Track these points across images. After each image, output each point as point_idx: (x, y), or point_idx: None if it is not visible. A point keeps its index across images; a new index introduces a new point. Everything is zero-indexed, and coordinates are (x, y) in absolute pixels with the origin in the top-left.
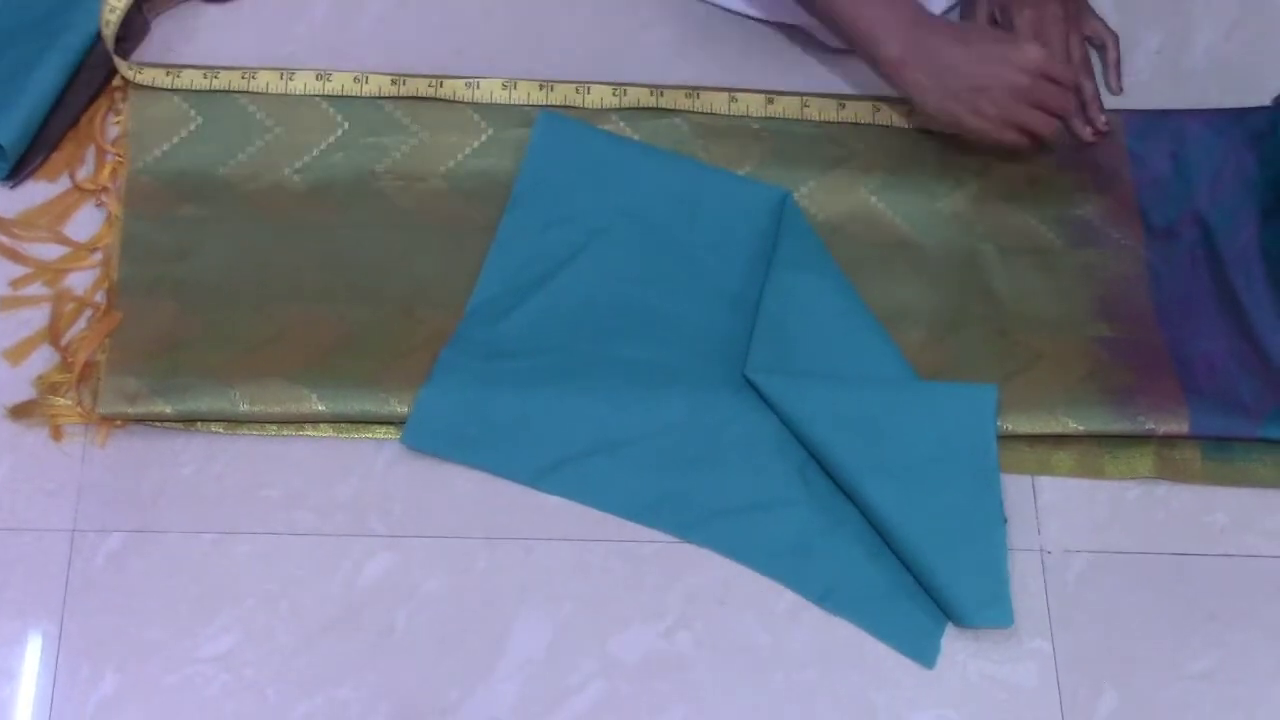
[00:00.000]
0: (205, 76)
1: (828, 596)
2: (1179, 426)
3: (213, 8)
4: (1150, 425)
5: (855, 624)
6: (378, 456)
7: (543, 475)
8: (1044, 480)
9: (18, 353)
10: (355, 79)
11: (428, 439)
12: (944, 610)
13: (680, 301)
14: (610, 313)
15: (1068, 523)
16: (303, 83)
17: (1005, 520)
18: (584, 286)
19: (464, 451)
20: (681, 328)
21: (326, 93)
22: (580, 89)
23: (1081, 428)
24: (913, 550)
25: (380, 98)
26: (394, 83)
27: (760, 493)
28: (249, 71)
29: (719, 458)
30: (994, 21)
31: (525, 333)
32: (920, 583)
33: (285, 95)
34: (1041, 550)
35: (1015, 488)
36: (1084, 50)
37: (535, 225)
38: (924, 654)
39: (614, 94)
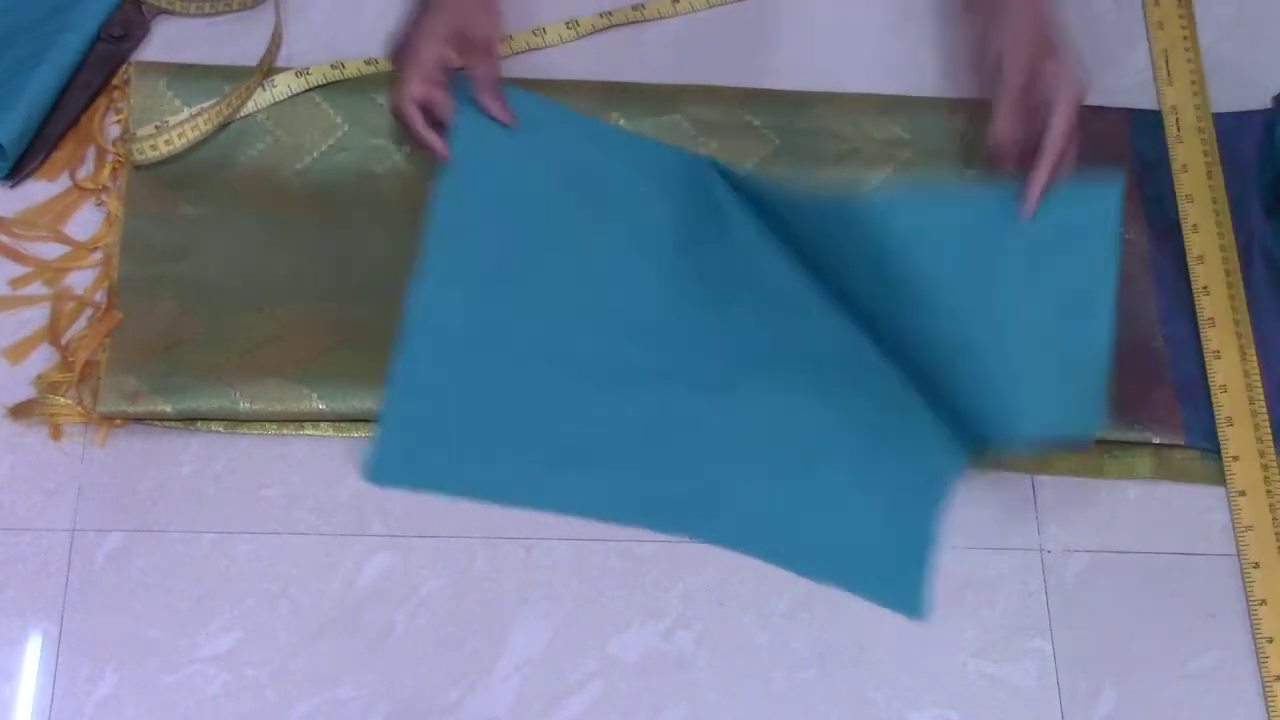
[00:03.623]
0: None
1: (812, 567)
2: (1175, 438)
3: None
4: (1148, 434)
5: (844, 588)
6: None
7: (516, 493)
8: (1044, 480)
9: (17, 352)
10: (332, 66)
11: (391, 477)
12: (1021, 427)
13: (619, 279)
14: (553, 311)
15: (1068, 523)
16: (285, 85)
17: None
18: (523, 290)
19: (432, 483)
20: (629, 312)
21: (310, 85)
22: (537, 31)
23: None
24: (997, 356)
25: (357, 79)
26: (367, 63)
27: (740, 480)
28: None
29: (691, 448)
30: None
31: (474, 341)
32: (987, 400)
33: (281, 100)
34: (1041, 550)
35: (1015, 488)
36: None
37: (466, 226)
38: (911, 603)
39: (568, 27)
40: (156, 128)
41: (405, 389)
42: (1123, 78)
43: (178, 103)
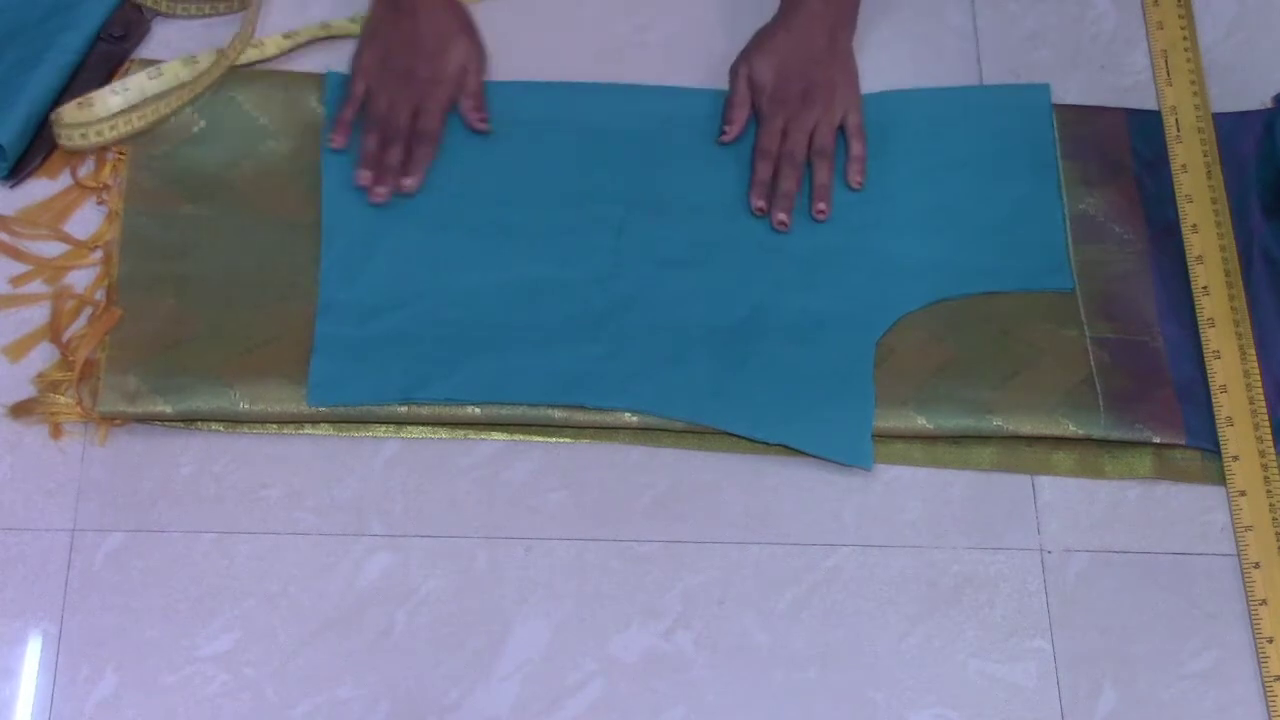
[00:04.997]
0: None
1: (758, 427)
2: (1176, 438)
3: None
4: (1148, 434)
5: (787, 444)
6: (378, 456)
7: (455, 389)
8: (1044, 480)
9: (17, 349)
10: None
11: (332, 397)
12: (999, 279)
13: (518, 208)
14: (458, 240)
15: (1068, 522)
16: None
17: (1064, 201)
18: (424, 223)
19: (370, 396)
20: (527, 232)
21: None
22: None
23: (1080, 431)
24: (965, 230)
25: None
26: (286, 37)
27: (660, 350)
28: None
29: (614, 325)
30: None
31: (385, 285)
32: (972, 263)
33: (286, 99)
34: (1041, 550)
35: (1015, 488)
36: (831, 140)
37: (353, 180)
38: (857, 454)
39: None
40: (83, 113)
41: (330, 315)
42: (1122, 78)
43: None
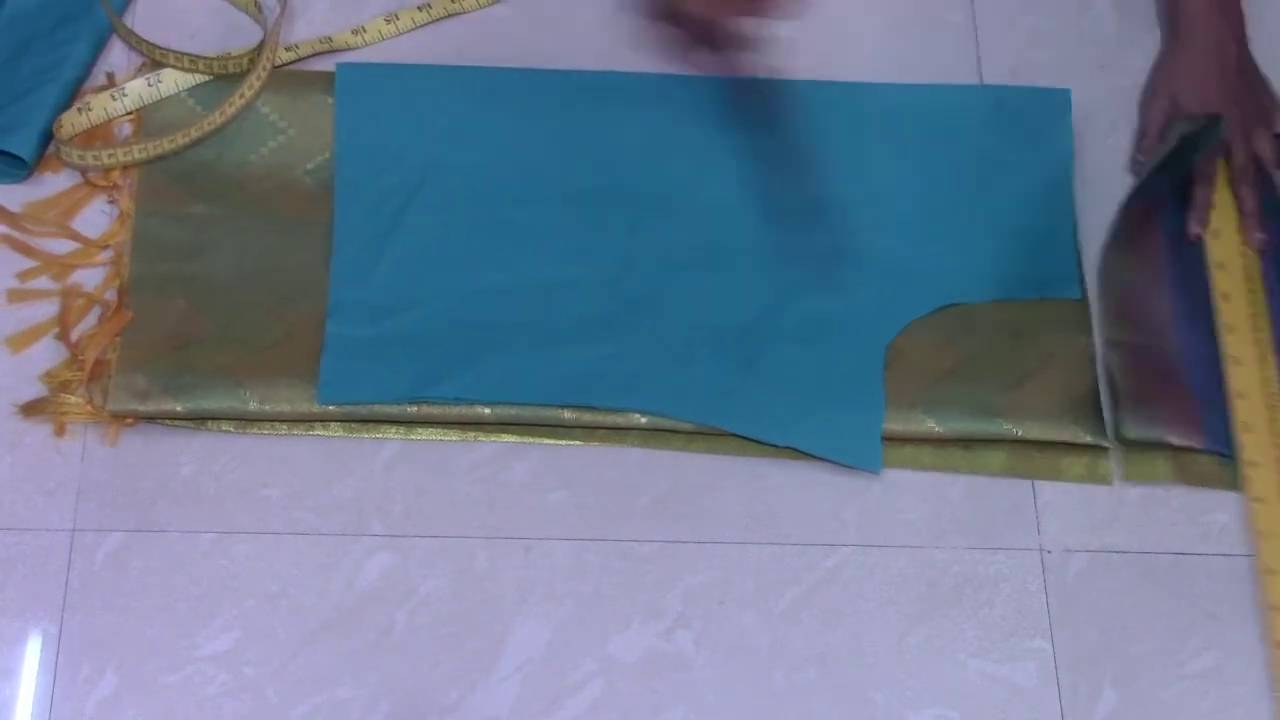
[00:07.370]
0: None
1: (767, 430)
2: (1194, 441)
3: (214, 4)
4: (1165, 436)
5: (796, 447)
6: (378, 456)
7: (465, 388)
8: (1044, 480)
9: (19, 342)
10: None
11: (342, 395)
12: (1009, 287)
13: (528, 208)
14: (469, 240)
15: (1068, 522)
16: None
17: (1076, 208)
18: (435, 223)
19: (380, 394)
20: (537, 233)
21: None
22: None
23: (1090, 438)
24: (976, 237)
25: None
26: (288, 49)
27: (670, 351)
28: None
29: (624, 325)
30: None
31: (396, 284)
32: (983, 270)
33: (296, 95)
34: (1041, 550)
35: (1015, 488)
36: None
37: (367, 178)
38: (867, 458)
39: None
40: (82, 119)
41: (339, 315)
42: (1122, 78)
43: (191, 102)
